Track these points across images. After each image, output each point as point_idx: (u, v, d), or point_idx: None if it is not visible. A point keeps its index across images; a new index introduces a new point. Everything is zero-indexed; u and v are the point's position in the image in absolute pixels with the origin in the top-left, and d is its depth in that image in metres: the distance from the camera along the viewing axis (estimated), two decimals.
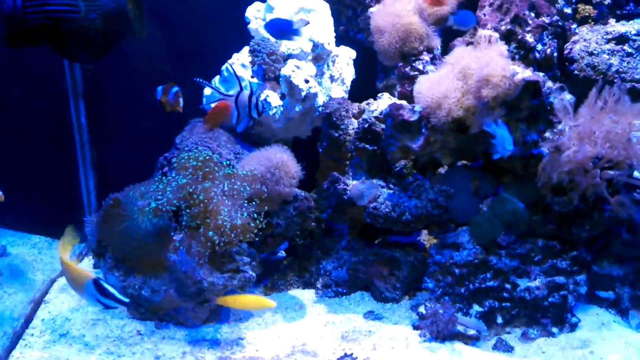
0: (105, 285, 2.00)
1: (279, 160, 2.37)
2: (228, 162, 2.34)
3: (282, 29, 2.27)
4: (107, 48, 2.37)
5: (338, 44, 2.75)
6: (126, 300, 2.01)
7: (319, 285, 2.65)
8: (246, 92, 2.25)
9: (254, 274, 2.35)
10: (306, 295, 2.66)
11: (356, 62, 2.75)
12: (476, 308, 2.44)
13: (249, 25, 2.64)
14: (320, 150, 2.59)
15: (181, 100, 2.35)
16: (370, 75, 2.72)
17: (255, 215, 2.25)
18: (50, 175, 2.98)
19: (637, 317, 2.59)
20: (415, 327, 2.41)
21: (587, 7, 2.59)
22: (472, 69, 2.23)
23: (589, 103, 2.16)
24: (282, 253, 2.64)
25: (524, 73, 2.18)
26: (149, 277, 2.36)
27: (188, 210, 2.22)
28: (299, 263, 2.68)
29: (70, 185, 3.01)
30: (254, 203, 2.28)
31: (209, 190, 2.19)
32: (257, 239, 2.29)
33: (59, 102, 2.91)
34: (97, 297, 2.00)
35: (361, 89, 2.71)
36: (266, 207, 2.33)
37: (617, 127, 2.14)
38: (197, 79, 2.35)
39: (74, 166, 3.00)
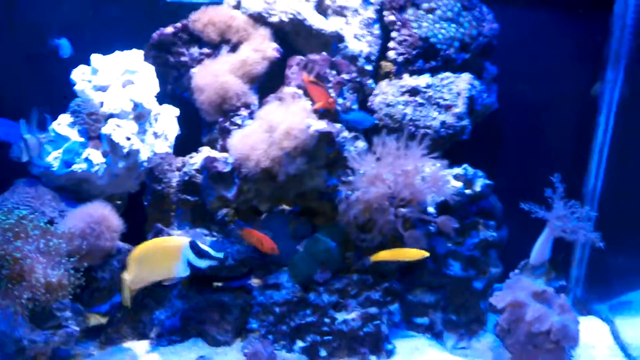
0: (201, 245, 2.19)
1: (100, 215, 2.46)
2: (45, 220, 2.39)
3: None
4: None
5: (167, 102, 2.90)
6: (220, 256, 2.22)
7: (152, 335, 2.72)
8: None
9: (77, 329, 2.39)
10: (140, 347, 2.71)
11: (184, 119, 2.91)
12: (299, 344, 2.61)
13: (75, 87, 2.75)
14: (145, 203, 2.71)
15: None
16: (197, 131, 2.89)
17: (72, 271, 2.30)
18: None
19: (452, 338, 2.86)
20: None
21: (388, 63, 2.90)
22: (277, 123, 2.46)
23: (375, 150, 2.43)
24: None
25: (318, 125, 2.42)
26: None
27: (2, 272, 2.24)
28: (133, 315, 2.74)
29: None
30: (73, 259, 2.34)
31: (22, 250, 2.23)
32: (75, 294, 2.34)
33: None
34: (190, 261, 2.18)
35: (190, 144, 2.86)
36: (86, 263, 2.40)
37: (403, 169, 2.43)
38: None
39: None
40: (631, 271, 3.27)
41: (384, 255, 2.50)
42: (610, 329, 3.08)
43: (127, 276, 2.37)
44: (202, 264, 2.20)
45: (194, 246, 2.18)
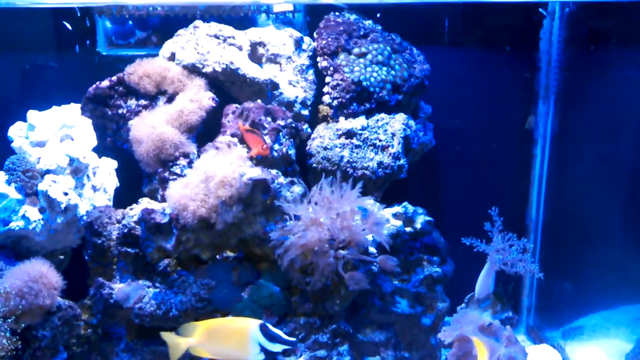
0: (272, 329, 2.11)
1: (38, 273, 2.43)
2: None
3: None
4: None
5: (107, 154, 2.91)
6: (292, 339, 2.15)
7: None
8: None
9: None
10: None
11: (125, 170, 2.91)
12: None
13: (13, 144, 2.74)
14: (87, 257, 2.69)
15: None
16: (139, 182, 2.89)
17: (8, 333, 2.27)
18: None
19: None
20: None
21: (325, 107, 2.96)
22: (212, 172, 2.48)
23: (312, 195, 2.47)
24: None
25: (252, 172, 2.45)
26: None
27: None
28: None
29: None
30: (9, 320, 2.31)
31: None
32: (16, 355, 2.30)
33: None
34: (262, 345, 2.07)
35: (131, 196, 2.85)
36: (24, 323, 2.36)
37: (339, 211, 2.46)
38: None
39: None
40: (580, 297, 3.33)
41: None
42: (562, 356, 3.11)
43: (191, 342, 2.23)
44: (276, 348, 2.11)
45: (264, 329, 2.11)
